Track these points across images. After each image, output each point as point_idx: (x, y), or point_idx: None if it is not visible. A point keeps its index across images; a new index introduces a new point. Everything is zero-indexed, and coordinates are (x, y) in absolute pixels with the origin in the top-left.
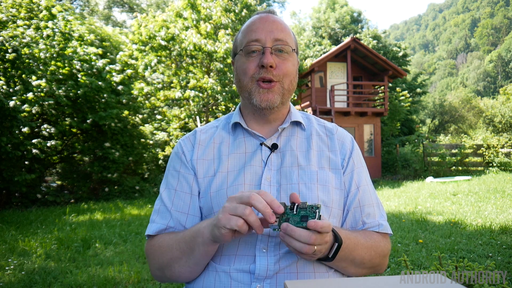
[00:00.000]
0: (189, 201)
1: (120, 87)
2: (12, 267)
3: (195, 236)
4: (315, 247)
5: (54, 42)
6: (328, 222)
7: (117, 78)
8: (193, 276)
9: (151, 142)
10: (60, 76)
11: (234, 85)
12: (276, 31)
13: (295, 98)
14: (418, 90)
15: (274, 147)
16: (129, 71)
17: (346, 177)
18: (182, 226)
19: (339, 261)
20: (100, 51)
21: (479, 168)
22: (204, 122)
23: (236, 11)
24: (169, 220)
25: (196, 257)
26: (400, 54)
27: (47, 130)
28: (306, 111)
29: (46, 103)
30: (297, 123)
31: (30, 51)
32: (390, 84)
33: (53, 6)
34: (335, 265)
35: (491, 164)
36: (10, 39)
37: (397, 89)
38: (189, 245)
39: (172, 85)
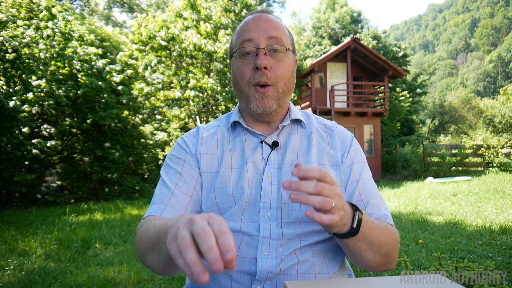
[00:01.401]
0: (193, 185)
1: (120, 87)
2: (12, 267)
3: (162, 242)
4: (333, 202)
5: (54, 42)
6: (324, 171)
7: (117, 78)
8: (167, 274)
9: (151, 142)
10: (60, 76)
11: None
12: (270, 29)
13: (295, 98)
14: (418, 90)
15: (274, 145)
16: (129, 71)
17: (345, 172)
18: (183, 208)
19: (361, 240)
20: (100, 51)
21: (479, 169)
22: (204, 122)
23: (236, 11)
24: (170, 197)
25: (163, 260)
26: (400, 54)
27: (47, 130)
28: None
29: (46, 103)
30: (297, 121)
31: (30, 51)
32: (390, 84)
33: (53, 6)
34: (357, 246)
35: (491, 165)
36: (10, 39)
37: (397, 89)
38: (157, 245)
39: (172, 85)
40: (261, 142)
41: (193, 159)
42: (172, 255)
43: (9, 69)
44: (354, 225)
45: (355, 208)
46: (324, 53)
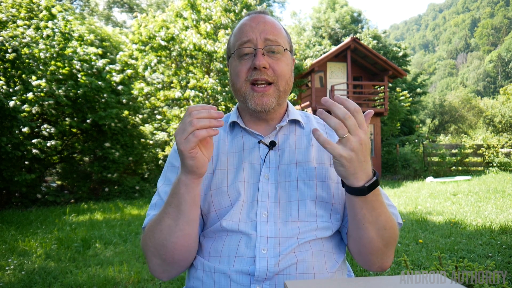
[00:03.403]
0: None
1: (120, 87)
2: (12, 267)
3: (176, 192)
4: (347, 134)
5: (54, 42)
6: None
7: (117, 78)
8: (189, 243)
9: (151, 142)
10: (60, 76)
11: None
12: (267, 30)
13: (295, 98)
14: (418, 90)
15: (272, 145)
16: (129, 71)
17: None
18: None
19: (368, 208)
20: (100, 51)
21: (479, 168)
22: None
23: (236, 11)
24: None
25: (185, 211)
26: (400, 54)
27: (47, 130)
28: (306, 111)
29: (46, 103)
30: (295, 121)
31: (30, 51)
32: (390, 84)
33: (53, 6)
34: (362, 213)
35: (491, 164)
36: (10, 39)
37: (397, 89)
38: (174, 205)
39: (172, 85)
40: (259, 142)
41: None
42: (197, 138)
43: (9, 69)
44: (366, 184)
45: (375, 174)
46: (324, 53)
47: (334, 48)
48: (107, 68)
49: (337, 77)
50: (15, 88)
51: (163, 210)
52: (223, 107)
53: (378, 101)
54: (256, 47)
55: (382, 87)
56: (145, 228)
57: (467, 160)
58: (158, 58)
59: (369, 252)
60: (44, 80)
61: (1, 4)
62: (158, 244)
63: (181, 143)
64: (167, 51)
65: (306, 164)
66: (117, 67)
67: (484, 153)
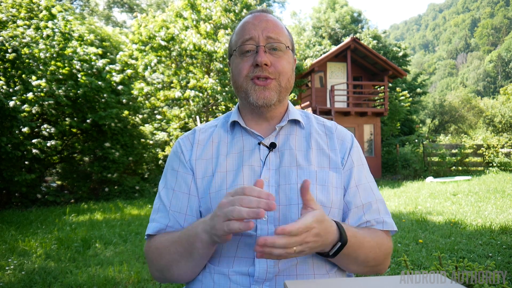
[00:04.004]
0: (186, 201)
1: (120, 87)
2: (12, 267)
3: (193, 242)
4: (294, 248)
5: (54, 42)
6: (303, 223)
7: (117, 78)
8: (193, 276)
9: (151, 142)
10: (60, 76)
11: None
12: (270, 28)
13: (295, 98)
14: (418, 90)
15: (272, 146)
16: (129, 71)
17: (344, 175)
18: (180, 226)
19: (341, 258)
20: (100, 51)
21: (479, 168)
22: (204, 122)
23: (236, 11)
24: (168, 220)
25: (196, 259)
26: (400, 54)
27: (47, 130)
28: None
29: (46, 103)
30: (295, 122)
31: (30, 51)
32: (390, 84)
33: (53, 6)
34: (335, 261)
35: (491, 164)
36: (10, 39)
37: (397, 89)
38: (187, 249)
39: (172, 85)
40: (259, 143)
41: (187, 169)
42: (232, 231)
43: (9, 69)
44: (331, 253)
45: (340, 236)
46: (324, 53)
47: (334, 48)
48: (107, 68)
49: (337, 77)
50: (15, 88)
51: (174, 245)
52: (223, 107)
53: (378, 101)
54: (258, 44)
55: (382, 87)
56: (152, 244)
57: (467, 160)
58: (158, 58)
59: (356, 273)
60: (44, 80)
61: (1, 4)
62: (164, 270)
63: (220, 224)
64: (167, 51)
65: (307, 167)
66: (117, 67)
67: (484, 153)
